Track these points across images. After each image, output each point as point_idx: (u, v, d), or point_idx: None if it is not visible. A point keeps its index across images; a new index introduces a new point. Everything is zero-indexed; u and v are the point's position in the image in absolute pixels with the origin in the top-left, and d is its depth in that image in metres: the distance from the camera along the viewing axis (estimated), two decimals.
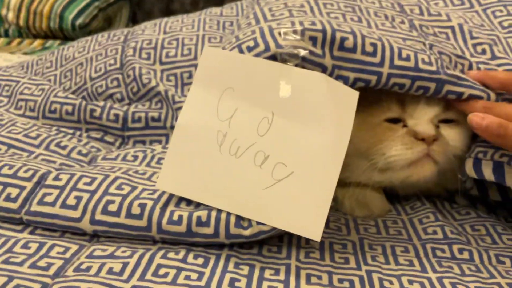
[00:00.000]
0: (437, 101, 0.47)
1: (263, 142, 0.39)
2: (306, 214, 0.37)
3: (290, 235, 0.43)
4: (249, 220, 0.39)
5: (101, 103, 0.61)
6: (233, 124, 0.40)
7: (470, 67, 0.48)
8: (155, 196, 0.42)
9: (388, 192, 0.54)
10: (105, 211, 0.40)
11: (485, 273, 0.40)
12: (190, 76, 0.63)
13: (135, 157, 0.52)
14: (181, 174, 0.40)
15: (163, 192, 0.42)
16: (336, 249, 0.43)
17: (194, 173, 0.40)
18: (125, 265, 0.37)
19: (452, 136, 0.47)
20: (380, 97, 0.48)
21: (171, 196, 0.41)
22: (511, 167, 0.41)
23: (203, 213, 0.40)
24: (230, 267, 0.38)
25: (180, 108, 0.58)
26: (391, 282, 0.38)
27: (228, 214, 0.40)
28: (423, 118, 0.47)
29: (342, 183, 0.50)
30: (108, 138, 0.60)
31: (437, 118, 0.47)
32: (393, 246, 0.44)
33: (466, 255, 0.43)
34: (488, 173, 0.42)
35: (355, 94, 0.40)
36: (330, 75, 0.43)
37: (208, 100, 0.41)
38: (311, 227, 0.37)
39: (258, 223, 0.39)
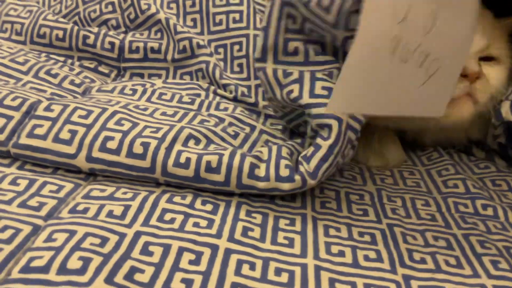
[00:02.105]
0: (481, 35, 0.43)
1: (427, 41, 0.34)
2: (437, 98, 0.34)
3: None
4: (266, 171, 0.36)
5: (95, 29, 0.55)
6: (406, 26, 0.33)
7: None
8: (159, 134, 0.37)
9: (403, 141, 0.50)
10: (103, 148, 0.36)
11: (511, 232, 0.38)
12: (194, 4, 0.57)
13: (134, 91, 0.47)
14: (354, 92, 0.34)
15: (168, 131, 0.38)
16: (353, 200, 0.40)
17: (368, 86, 0.34)
18: (126, 208, 0.33)
19: (493, 75, 0.44)
20: None
21: (177, 134, 0.37)
22: None
23: (213, 158, 0.36)
24: (242, 215, 0.35)
25: (183, 39, 0.53)
26: (414, 238, 0.35)
27: (242, 161, 0.36)
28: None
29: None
30: (103, 68, 0.54)
31: (480, 55, 0.44)
32: (413, 198, 0.41)
33: (490, 211, 0.40)
34: None
35: None
36: None
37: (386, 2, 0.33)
38: (437, 107, 0.35)
39: (277, 179, 0.35)
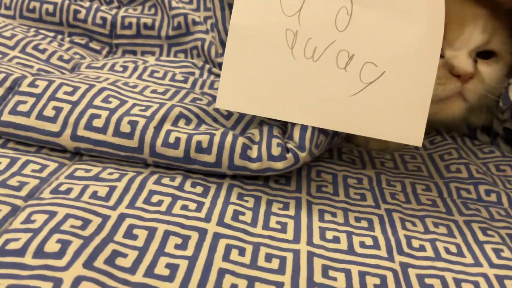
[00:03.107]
0: (483, 27, 0.41)
1: (344, 38, 0.32)
2: (403, 119, 0.33)
3: (300, 167, 0.38)
4: (258, 152, 0.34)
5: (87, 4, 0.53)
6: (304, 19, 0.32)
7: None
8: (148, 113, 0.36)
9: None
10: (89, 126, 0.35)
11: None
12: None
13: (125, 68, 0.46)
14: (245, 87, 0.33)
15: (158, 109, 0.36)
16: (350, 184, 0.38)
17: (262, 84, 0.33)
18: (112, 189, 0.32)
19: (489, 74, 0.42)
20: None
21: (167, 113, 0.36)
22: None
23: (204, 138, 0.34)
24: (233, 198, 0.33)
25: (177, 15, 0.51)
26: (413, 224, 0.34)
27: (234, 142, 0.34)
28: (463, 49, 0.40)
29: None
30: (94, 45, 0.52)
31: (478, 50, 0.41)
32: (413, 183, 0.39)
33: (493, 197, 0.39)
34: None
35: None
36: None
37: None
38: (410, 132, 0.32)
39: (269, 157, 0.34)
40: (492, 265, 0.30)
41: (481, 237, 0.33)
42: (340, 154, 0.43)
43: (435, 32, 0.33)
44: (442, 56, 0.41)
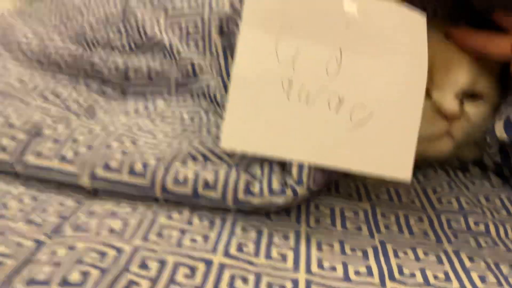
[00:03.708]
0: (467, 70, 0.44)
1: (335, 84, 0.36)
2: (392, 156, 0.35)
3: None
4: (260, 188, 0.37)
5: (101, 54, 0.58)
6: (298, 67, 0.36)
7: None
8: (159, 153, 0.39)
9: None
10: (106, 167, 0.38)
11: (501, 247, 0.38)
12: (196, 30, 0.59)
13: (136, 111, 0.49)
14: (247, 130, 0.36)
15: (167, 151, 0.39)
16: (347, 216, 0.41)
17: (262, 126, 0.36)
18: (126, 223, 0.35)
19: (476, 114, 0.45)
20: None
21: (175, 155, 0.39)
22: None
23: (210, 176, 0.37)
24: (237, 231, 0.36)
25: (186, 63, 0.55)
26: (405, 253, 0.36)
27: (237, 179, 0.37)
28: (450, 91, 0.44)
29: None
30: (107, 89, 0.57)
31: (464, 92, 0.45)
32: (406, 215, 0.42)
33: (482, 227, 0.41)
34: None
35: (423, 19, 0.37)
36: None
37: (264, 44, 0.36)
38: (400, 168, 0.35)
39: (270, 193, 0.37)
40: None
41: (468, 265, 0.35)
42: (338, 188, 0.46)
43: (419, 72, 0.36)
44: (430, 98, 0.44)
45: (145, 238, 0.33)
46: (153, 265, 0.31)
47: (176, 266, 0.31)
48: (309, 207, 0.42)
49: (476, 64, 0.45)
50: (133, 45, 0.59)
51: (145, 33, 0.58)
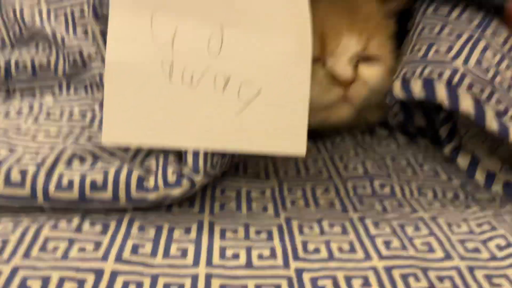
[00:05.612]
0: (358, 34, 0.43)
1: (219, 62, 0.33)
2: (284, 131, 0.34)
3: (205, 187, 0.39)
4: (155, 182, 0.35)
5: None
6: (178, 48, 0.33)
7: None
8: (38, 159, 0.35)
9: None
10: None
11: (407, 208, 0.39)
12: (83, 15, 0.55)
13: (20, 113, 0.45)
14: (128, 120, 0.34)
15: (49, 154, 0.36)
16: (253, 197, 0.40)
17: (144, 115, 0.34)
18: (4, 242, 0.31)
19: (371, 76, 0.45)
20: None
21: (58, 156, 0.36)
22: (441, 82, 0.38)
23: (98, 176, 0.34)
24: (133, 231, 0.34)
25: (73, 52, 0.51)
26: (311, 228, 0.35)
27: (129, 175, 0.35)
28: (342, 57, 0.43)
29: None
30: None
31: (358, 57, 0.44)
32: (313, 187, 0.41)
33: (387, 190, 0.41)
34: (418, 90, 0.39)
35: None
36: None
37: (137, 25, 0.33)
38: (294, 142, 0.34)
39: (166, 186, 0.34)
40: (381, 257, 0.32)
41: (373, 231, 0.35)
42: (246, 168, 0.45)
43: (303, 44, 0.35)
44: (324, 65, 0.43)
45: (25, 256, 0.30)
46: (35, 285, 0.28)
47: (60, 282, 0.28)
48: (215, 193, 0.40)
49: (368, 26, 0.45)
50: (13, 39, 0.54)
51: (24, 23, 0.53)
